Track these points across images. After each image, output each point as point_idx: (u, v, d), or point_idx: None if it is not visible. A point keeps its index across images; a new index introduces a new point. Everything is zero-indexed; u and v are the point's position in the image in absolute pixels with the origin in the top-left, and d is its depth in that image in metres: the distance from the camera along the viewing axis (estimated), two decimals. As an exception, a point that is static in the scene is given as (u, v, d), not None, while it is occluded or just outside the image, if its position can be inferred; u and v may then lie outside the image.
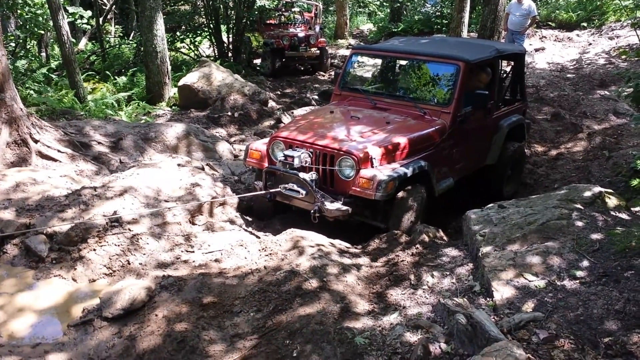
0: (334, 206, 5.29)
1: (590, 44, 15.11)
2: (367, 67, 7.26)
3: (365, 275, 4.62)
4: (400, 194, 5.38)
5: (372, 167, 5.28)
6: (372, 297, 4.26)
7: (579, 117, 9.48)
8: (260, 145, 6.04)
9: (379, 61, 7.30)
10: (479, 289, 3.97)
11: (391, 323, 3.77)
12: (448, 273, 4.36)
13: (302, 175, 5.33)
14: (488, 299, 3.79)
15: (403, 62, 6.83)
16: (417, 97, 6.24)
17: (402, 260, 4.73)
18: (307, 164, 5.44)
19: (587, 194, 4.98)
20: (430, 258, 4.73)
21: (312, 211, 5.29)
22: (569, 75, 12.11)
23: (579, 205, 4.77)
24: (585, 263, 3.95)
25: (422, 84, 6.43)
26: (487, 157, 6.75)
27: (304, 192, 5.35)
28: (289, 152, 5.48)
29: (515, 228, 4.53)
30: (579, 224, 4.45)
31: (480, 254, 4.27)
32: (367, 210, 5.53)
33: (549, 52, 14.43)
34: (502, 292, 3.75)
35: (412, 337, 3.54)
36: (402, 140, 5.58)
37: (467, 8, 14.53)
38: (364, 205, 5.44)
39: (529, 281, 3.81)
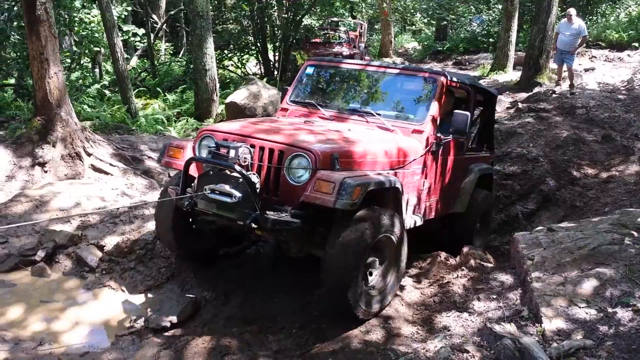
0: (278, 216, 3.98)
1: (642, 64, 14.73)
2: (323, 84, 5.98)
3: (410, 297, 4.59)
4: (359, 214, 4.01)
5: (333, 169, 4.02)
6: (417, 319, 4.23)
7: (631, 139, 9.21)
8: (185, 142, 4.75)
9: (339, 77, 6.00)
10: (527, 314, 3.88)
11: (436, 346, 3.72)
12: (495, 297, 4.29)
13: (238, 168, 3.94)
14: (537, 324, 3.71)
15: (368, 77, 5.68)
16: (386, 113, 5.15)
17: (448, 283, 4.68)
18: (246, 162, 4.07)
19: (641, 219, 4.84)
20: (477, 281, 4.66)
21: (247, 221, 3.92)
22: (620, 97, 11.79)
23: (631, 231, 4.63)
24: (639, 291, 3.82)
25: (393, 99, 5.47)
26: (456, 203, 5.71)
27: (238, 196, 3.93)
28: (222, 142, 4.17)
29: (565, 252, 4.42)
30: (632, 250, 4.32)
31: (529, 278, 4.19)
32: (318, 231, 4.23)
33: (599, 72, 14.12)
34: (551, 318, 3.67)
35: (457, 361, 3.50)
36: (369, 146, 4.43)
37: (515, 27, 14.42)
38: (317, 221, 4.16)
39: (580, 307, 3.72)
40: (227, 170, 4.04)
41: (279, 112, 5.68)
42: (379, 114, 5.09)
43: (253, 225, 3.91)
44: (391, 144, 4.64)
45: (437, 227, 5.78)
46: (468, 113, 4.95)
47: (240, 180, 3.95)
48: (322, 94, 5.78)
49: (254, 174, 4.05)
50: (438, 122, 5.05)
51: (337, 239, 3.94)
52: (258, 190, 4.00)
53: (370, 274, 4.26)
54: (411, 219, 4.85)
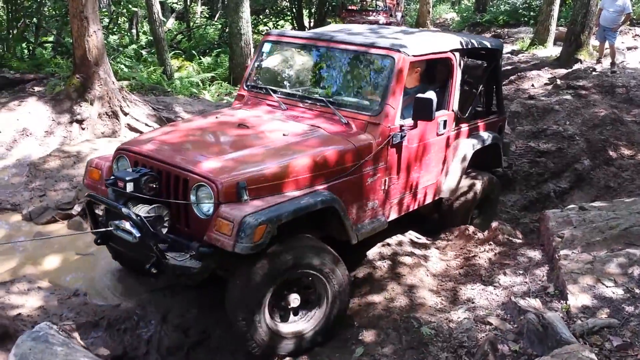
0: (177, 260, 3.44)
1: (689, 44, 14.22)
2: (285, 61, 5.41)
3: (435, 268, 4.62)
4: (270, 250, 3.43)
5: (240, 200, 3.39)
6: (441, 289, 4.27)
7: (672, 121, 8.98)
8: (103, 161, 4.15)
9: (301, 56, 5.40)
10: (553, 291, 3.89)
11: (459, 317, 3.76)
12: (522, 272, 4.30)
13: (125, 210, 3.42)
14: (562, 301, 3.71)
15: (329, 56, 4.87)
16: (339, 102, 4.46)
17: (475, 256, 4.69)
18: (152, 192, 3.55)
19: (676, 202, 4.76)
20: (504, 256, 4.67)
21: (146, 267, 3.47)
22: (663, 77, 11.45)
23: (666, 213, 4.56)
24: (669, 274, 3.79)
25: (347, 83, 4.74)
26: (442, 187, 5.08)
27: (138, 235, 3.40)
28: (120, 173, 3.62)
29: (596, 231, 4.38)
30: (665, 232, 4.27)
31: (557, 255, 4.18)
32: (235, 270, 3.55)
33: (643, 51, 13.72)
34: (577, 295, 3.67)
35: (479, 333, 3.54)
36: (295, 160, 3.74)
37: (557, 1, 14.01)
38: (228, 261, 3.50)
39: (607, 287, 3.70)
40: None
41: (235, 99, 5.08)
42: (333, 103, 4.41)
43: (153, 270, 3.47)
44: (332, 147, 3.96)
45: (428, 212, 5.30)
46: (431, 97, 4.19)
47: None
48: (280, 77, 5.20)
49: (159, 206, 3.50)
50: (401, 106, 4.31)
51: (235, 279, 3.46)
52: (166, 225, 3.52)
53: (290, 314, 3.71)
54: (370, 225, 4.27)
